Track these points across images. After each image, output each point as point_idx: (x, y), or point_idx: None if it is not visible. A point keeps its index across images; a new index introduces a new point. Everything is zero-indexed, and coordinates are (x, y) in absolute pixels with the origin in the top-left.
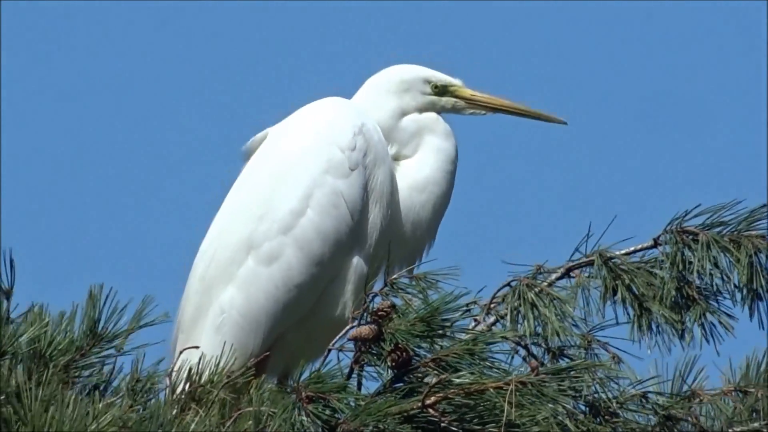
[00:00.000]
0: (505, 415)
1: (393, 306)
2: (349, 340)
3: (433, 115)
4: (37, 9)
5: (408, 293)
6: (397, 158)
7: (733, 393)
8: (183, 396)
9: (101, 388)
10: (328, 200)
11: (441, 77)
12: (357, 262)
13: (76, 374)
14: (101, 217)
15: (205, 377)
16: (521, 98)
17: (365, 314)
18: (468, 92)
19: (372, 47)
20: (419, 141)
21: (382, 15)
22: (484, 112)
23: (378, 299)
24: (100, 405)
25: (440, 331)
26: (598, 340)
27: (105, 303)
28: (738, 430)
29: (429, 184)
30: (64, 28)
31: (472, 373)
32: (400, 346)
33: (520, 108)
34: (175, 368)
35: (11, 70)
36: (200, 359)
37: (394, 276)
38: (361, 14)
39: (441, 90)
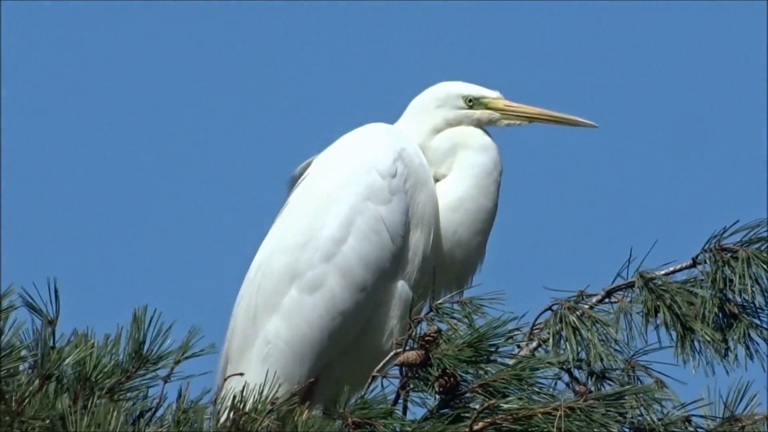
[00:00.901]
0: None
1: (439, 331)
2: (395, 365)
3: (467, 128)
4: (37, 9)
5: (453, 318)
6: (437, 179)
7: None
8: (228, 424)
9: (146, 416)
10: (369, 227)
11: (473, 90)
12: (401, 288)
13: (122, 397)
14: (145, 242)
15: (249, 405)
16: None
17: (411, 339)
18: (502, 103)
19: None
20: (453, 158)
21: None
22: (519, 122)
23: (423, 325)
24: None
25: (487, 357)
26: (641, 364)
27: (149, 325)
28: None
29: (464, 201)
30: (82, 30)
31: (519, 399)
32: (447, 371)
33: (554, 115)
34: (220, 397)
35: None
36: (243, 388)
37: (439, 301)
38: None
39: (475, 103)
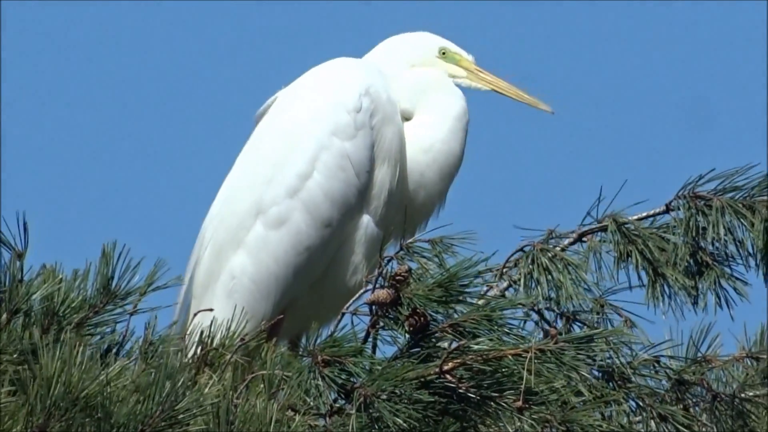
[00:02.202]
0: (524, 382)
1: (410, 270)
2: (365, 304)
3: (440, 73)
4: (37, 9)
5: (424, 257)
6: (405, 117)
7: (745, 359)
8: (196, 359)
9: (114, 350)
10: (334, 162)
11: (450, 45)
12: (367, 223)
13: (90, 332)
14: (112, 178)
15: (217, 341)
16: (527, 79)
17: (381, 278)
18: (473, 66)
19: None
20: (422, 98)
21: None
22: (481, 86)
23: (394, 263)
24: (113, 371)
25: (458, 297)
26: (611, 304)
27: (118, 261)
28: (750, 394)
29: (435, 142)
30: (79, 29)
31: (490, 340)
32: (418, 311)
33: (515, 92)
34: (188, 332)
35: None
36: (212, 323)
37: (410, 240)
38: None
39: (448, 56)
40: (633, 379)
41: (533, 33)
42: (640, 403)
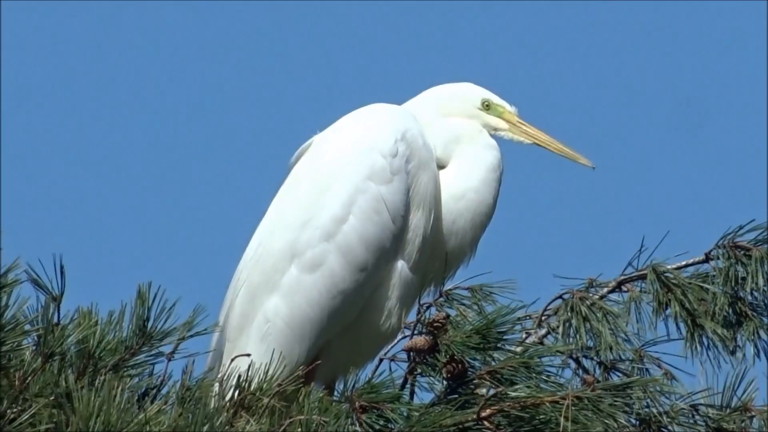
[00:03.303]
0: (561, 429)
1: (448, 317)
2: (403, 350)
3: (474, 124)
4: (38, 9)
5: (463, 305)
6: (440, 165)
7: None
8: (233, 403)
9: (152, 394)
10: (370, 206)
11: (494, 98)
12: (401, 268)
13: (126, 374)
14: (148, 219)
15: (254, 385)
16: (563, 121)
17: (419, 325)
18: (515, 118)
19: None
20: (455, 147)
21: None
22: (523, 140)
23: (432, 310)
24: (151, 410)
25: (495, 344)
26: (651, 356)
27: (154, 301)
28: None
29: (468, 191)
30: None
31: (528, 387)
32: (455, 357)
33: (557, 147)
34: (224, 376)
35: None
36: (249, 367)
37: (450, 287)
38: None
39: (491, 108)
40: (670, 427)
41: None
42: None
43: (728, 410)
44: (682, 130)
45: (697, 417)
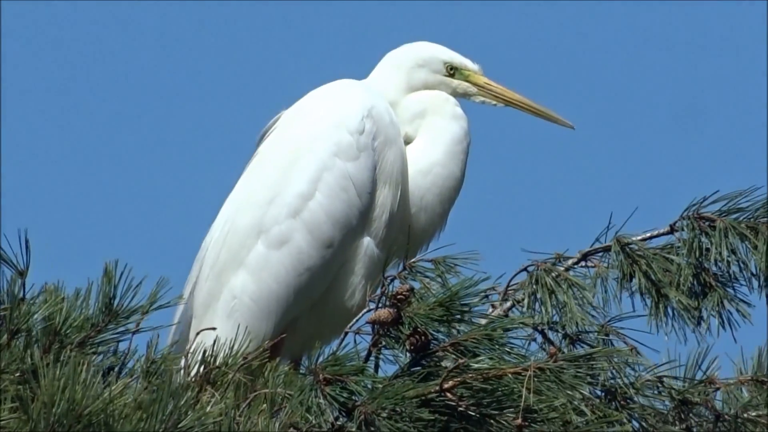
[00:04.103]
0: (523, 400)
1: (412, 289)
2: (367, 323)
3: (440, 95)
4: (39, 9)
5: (427, 277)
6: (407, 140)
7: (749, 382)
8: (198, 378)
9: (116, 369)
10: (336, 183)
11: (459, 59)
12: (367, 245)
13: (92, 351)
14: (113, 195)
15: (219, 359)
16: (534, 92)
17: (383, 297)
18: (482, 80)
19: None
20: (421, 121)
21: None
22: (494, 102)
23: (396, 283)
24: (116, 389)
25: (459, 316)
26: (616, 330)
27: (120, 280)
28: (753, 414)
29: (434, 165)
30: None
31: (490, 358)
32: (418, 330)
33: (531, 106)
34: (190, 351)
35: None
36: (215, 342)
37: (413, 259)
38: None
39: (455, 72)
40: (636, 399)
41: (532, 37)
42: (644, 424)
43: (693, 382)
44: (650, 105)
45: (662, 389)
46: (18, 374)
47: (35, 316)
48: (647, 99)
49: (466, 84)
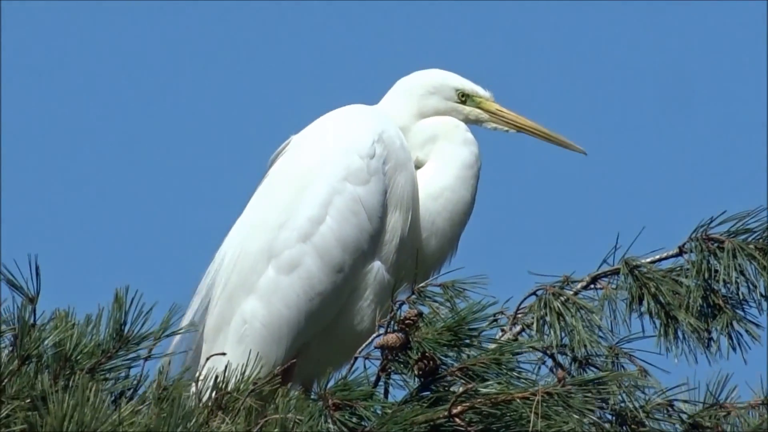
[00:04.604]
0: (531, 425)
1: (420, 314)
2: (375, 348)
3: (451, 121)
4: (43, 9)
5: (435, 301)
6: (418, 165)
7: (760, 407)
8: (209, 404)
9: (128, 395)
10: (347, 207)
11: (470, 86)
12: (378, 269)
13: (103, 377)
14: (124, 222)
15: (231, 385)
16: (545, 115)
17: (392, 322)
18: (494, 106)
19: (406, 50)
20: (432, 146)
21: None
22: (506, 129)
23: (405, 308)
24: (125, 410)
25: (467, 341)
26: (625, 352)
27: (131, 306)
28: None
29: (444, 190)
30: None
31: (499, 383)
32: (427, 354)
33: (544, 132)
34: (201, 376)
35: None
36: (226, 368)
37: (422, 284)
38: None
39: (467, 99)
40: (646, 423)
41: (538, 57)
42: None
43: (704, 406)
44: (658, 125)
45: (672, 412)
46: (28, 401)
47: (46, 342)
48: (653, 118)
49: (478, 111)
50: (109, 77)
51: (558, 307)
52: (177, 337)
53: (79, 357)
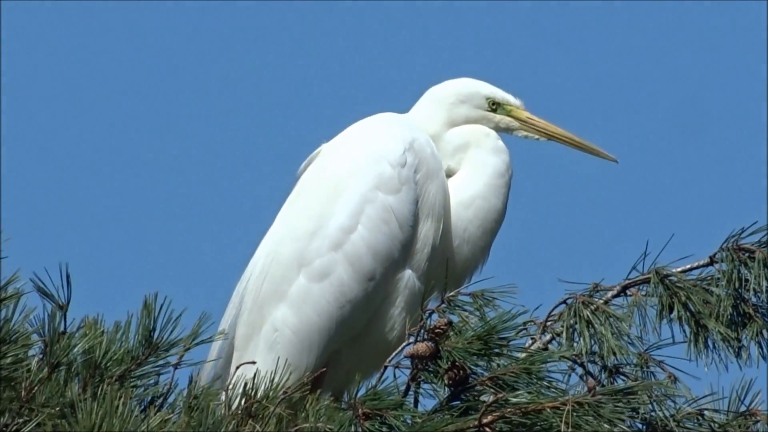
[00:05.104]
0: None
1: (450, 323)
2: (405, 357)
3: (482, 129)
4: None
5: (465, 310)
6: (449, 174)
7: None
8: (239, 411)
9: (158, 403)
10: (378, 216)
11: (500, 94)
12: (408, 278)
13: (132, 385)
14: (153, 229)
15: (260, 393)
16: (574, 122)
17: (422, 331)
18: (524, 114)
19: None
20: (463, 155)
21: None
22: (537, 137)
23: (435, 316)
24: (155, 420)
25: (497, 350)
26: (655, 359)
27: (160, 312)
28: None
29: (476, 198)
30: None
31: (529, 392)
32: (457, 364)
33: (574, 140)
34: (231, 384)
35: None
36: (255, 375)
37: (451, 293)
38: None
39: (497, 107)
40: (676, 431)
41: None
42: None
43: (733, 415)
44: (685, 134)
45: (702, 421)
46: (57, 409)
47: (75, 349)
48: (683, 125)
49: (509, 119)
50: (154, 83)
51: (588, 315)
52: (209, 346)
53: (108, 364)
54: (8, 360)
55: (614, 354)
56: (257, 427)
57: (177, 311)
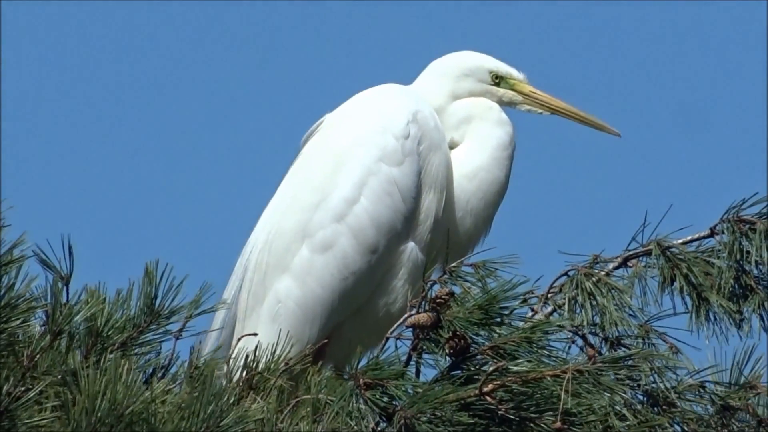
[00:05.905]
0: (561, 403)
1: (451, 293)
2: (407, 327)
3: (485, 102)
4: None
5: (467, 281)
6: (452, 146)
7: None
8: (241, 383)
9: (160, 373)
10: (381, 188)
11: (504, 68)
12: (412, 250)
13: (133, 352)
14: (155, 199)
15: (262, 365)
16: (577, 98)
17: (424, 302)
18: (528, 88)
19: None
20: (467, 127)
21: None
22: (540, 111)
23: (436, 287)
24: (158, 388)
25: (498, 319)
26: (656, 330)
27: (161, 280)
28: None
29: (479, 170)
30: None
31: (529, 361)
32: (458, 333)
33: (578, 114)
34: (233, 356)
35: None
36: (257, 347)
37: (453, 264)
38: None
39: (501, 81)
40: (678, 403)
41: (569, 40)
42: (685, 428)
43: (734, 387)
44: (684, 105)
45: (703, 393)
46: (59, 377)
47: (77, 318)
48: (683, 99)
49: (512, 93)
50: (146, 66)
51: (589, 287)
52: (219, 316)
53: (110, 332)
54: (13, 324)
55: (616, 325)
56: (258, 398)
57: (178, 279)
